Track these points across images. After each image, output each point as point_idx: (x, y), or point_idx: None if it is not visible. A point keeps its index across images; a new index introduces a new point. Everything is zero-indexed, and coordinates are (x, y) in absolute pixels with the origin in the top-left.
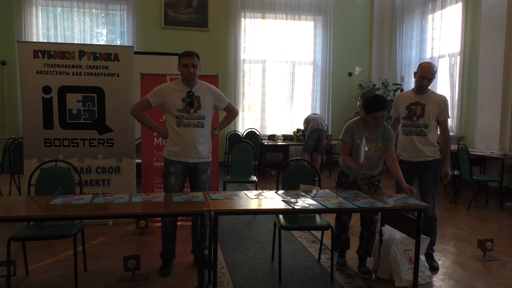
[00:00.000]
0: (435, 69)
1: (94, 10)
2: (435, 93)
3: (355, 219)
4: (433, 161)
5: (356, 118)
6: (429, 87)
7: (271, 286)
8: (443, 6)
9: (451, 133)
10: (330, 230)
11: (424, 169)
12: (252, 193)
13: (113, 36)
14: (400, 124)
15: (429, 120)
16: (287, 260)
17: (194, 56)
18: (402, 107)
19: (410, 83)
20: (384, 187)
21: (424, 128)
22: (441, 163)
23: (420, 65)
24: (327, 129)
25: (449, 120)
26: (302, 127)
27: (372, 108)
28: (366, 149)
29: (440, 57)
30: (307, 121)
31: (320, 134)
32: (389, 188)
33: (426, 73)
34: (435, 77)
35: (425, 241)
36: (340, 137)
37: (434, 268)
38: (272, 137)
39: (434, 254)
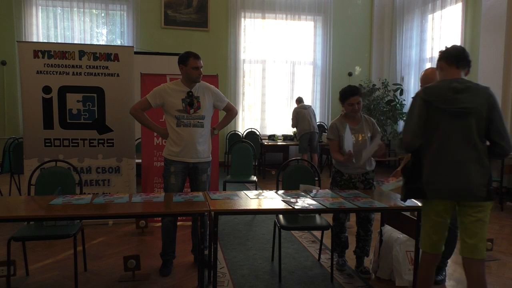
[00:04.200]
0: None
1: (94, 10)
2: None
3: (354, 219)
4: None
5: (339, 116)
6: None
7: (271, 286)
8: (443, 6)
9: None
10: (330, 230)
11: None
12: (252, 193)
13: (113, 36)
14: None
15: None
16: (287, 260)
17: (200, 57)
18: None
19: (410, 83)
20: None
21: None
22: None
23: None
24: (325, 126)
25: None
26: None
27: (347, 95)
28: (354, 139)
29: None
30: (296, 118)
31: (311, 135)
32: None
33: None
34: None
35: None
36: (326, 137)
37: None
38: (272, 137)
39: (446, 268)
